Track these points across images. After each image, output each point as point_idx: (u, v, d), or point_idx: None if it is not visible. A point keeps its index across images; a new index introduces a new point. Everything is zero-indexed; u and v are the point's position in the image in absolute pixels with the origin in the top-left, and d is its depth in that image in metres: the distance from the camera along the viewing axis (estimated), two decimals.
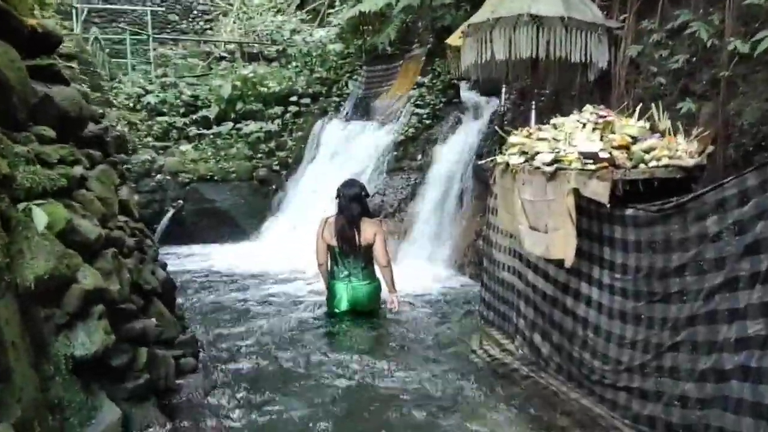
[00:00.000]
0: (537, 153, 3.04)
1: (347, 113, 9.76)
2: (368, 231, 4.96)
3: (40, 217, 2.27)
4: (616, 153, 2.78)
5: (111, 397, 2.67)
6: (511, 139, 3.41)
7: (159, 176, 9.75)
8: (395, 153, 8.14)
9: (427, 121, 8.12)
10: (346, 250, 4.97)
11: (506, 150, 3.43)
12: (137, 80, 11.65)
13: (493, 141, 7.05)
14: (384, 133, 8.54)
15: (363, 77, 10.16)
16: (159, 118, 10.77)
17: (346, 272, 5.00)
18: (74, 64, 7.44)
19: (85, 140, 3.41)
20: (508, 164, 3.34)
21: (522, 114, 6.37)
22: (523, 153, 3.22)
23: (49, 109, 2.91)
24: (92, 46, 10.65)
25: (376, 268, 5.14)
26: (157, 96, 11.10)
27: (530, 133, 3.32)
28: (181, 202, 9.77)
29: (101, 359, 2.62)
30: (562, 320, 3.51)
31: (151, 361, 2.98)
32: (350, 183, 5.29)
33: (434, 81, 8.62)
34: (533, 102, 4.61)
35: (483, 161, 6.87)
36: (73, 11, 11.10)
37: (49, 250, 2.33)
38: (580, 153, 2.77)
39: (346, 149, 8.89)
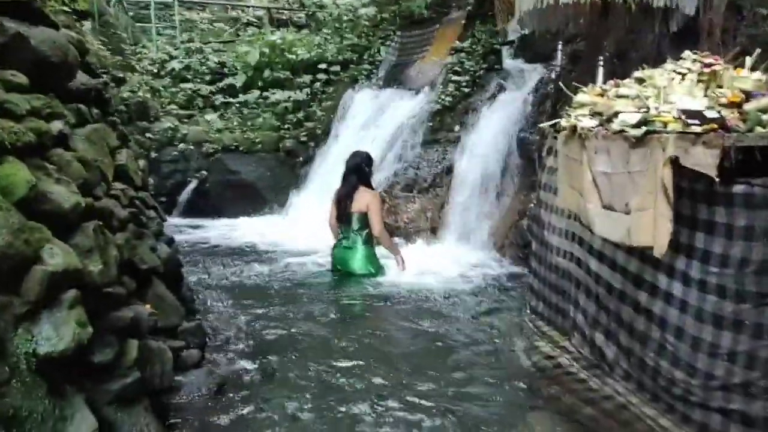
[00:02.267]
0: (616, 113, 2.44)
1: (379, 81, 9.14)
2: (361, 200, 5.40)
3: None
4: (725, 113, 2.18)
5: (91, 401, 2.20)
6: (579, 97, 2.81)
7: (182, 145, 9.32)
8: (430, 124, 7.52)
9: (466, 90, 7.47)
10: (340, 215, 5.51)
11: (572, 111, 2.83)
12: (162, 46, 11.20)
13: (539, 111, 6.40)
14: (418, 102, 7.92)
15: (397, 43, 9.51)
16: (183, 85, 10.33)
17: (341, 236, 5.53)
18: (88, 23, 6.97)
19: (74, 93, 2.91)
20: (575, 128, 2.74)
21: (574, 79, 5.70)
22: (596, 114, 2.62)
23: (22, 51, 2.41)
24: (114, 8, 10.18)
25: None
26: (182, 62, 10.64)
27: (604, 91, 2.71)
28: (204, 173, 9.34)
29: (78, 356, 2.14)
30: (633, 319, 2.92)
31: (144, 355, 2.51)
32: (354, 154, 5.81)
33: (474, 46, 7.94)
34: (600, 58, 3.91)
35: (527, 132, 6.28)
36: None
37: (2, 222, 1.84)
38: (682, 111, 2.16)
39: (378, 120, 8.28)
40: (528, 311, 4.24)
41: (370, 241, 5.44)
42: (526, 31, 7.73)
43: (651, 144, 2.24)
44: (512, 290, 4.94)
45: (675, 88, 2.36)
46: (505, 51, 8.07)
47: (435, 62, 8.29)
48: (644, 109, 2.34)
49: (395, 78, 8.92)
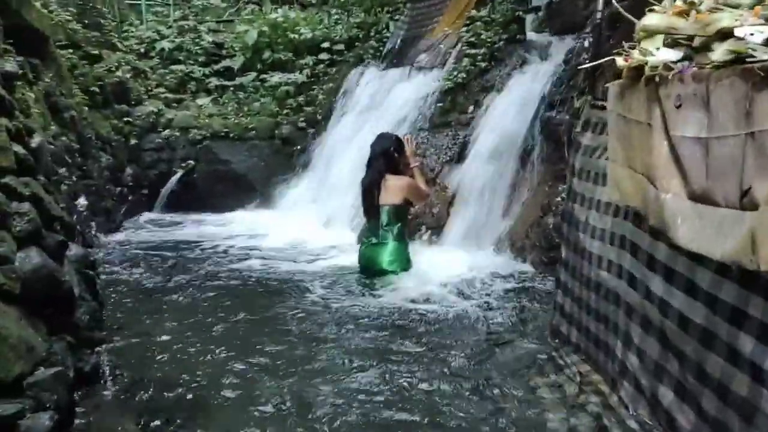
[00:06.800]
0: (722, 34, 1.38)
1: (385, 59, 8.10)
2: (392, 190, 4.72)
3: None
4: None
5: None
6: (647, 20, 1.73)
7: (166, 132, 8.41)
8: (440, 104, 6.47)
9: (482, 64, 6.38)
10: (367, 209, 4.86)
11: (637, 45, 1.76)
12: (152, 24, 10.30)
13: (570, 86, 5.30)
14: (428, 81, 6.87)
15: (406, 16, 8.45)
16: (174, 67, 9.43)
17: (368, 233, 4.88)
18: None
19: None
20: (640, 70, 1.68)
21: (613, 47, 4.58)
22: (679, 44, 1.56)
23: None
24: None
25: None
26: (173, 41, 9.73)
27: (691, 6, 1.63)
28: (191, 162, 8.43)
29: None
30: (728, 376, 1.84)
31: None
32: (381, 136, 5.09)
33: (492, 15, 6.86)
34: None
35: (554, 112, 5.20)
36: None
37: None
38: None
39: (382, 101, 7.28)
40: (555, 340, 3.17)
41: (402, 237, 4.77)
42: None
43: None
44: (534, 306, 3.87)
45: None
46: (529, 21, 6.96)
47: (447, 33, 7.22)
48: None
49: (404, 55, 7.88)
